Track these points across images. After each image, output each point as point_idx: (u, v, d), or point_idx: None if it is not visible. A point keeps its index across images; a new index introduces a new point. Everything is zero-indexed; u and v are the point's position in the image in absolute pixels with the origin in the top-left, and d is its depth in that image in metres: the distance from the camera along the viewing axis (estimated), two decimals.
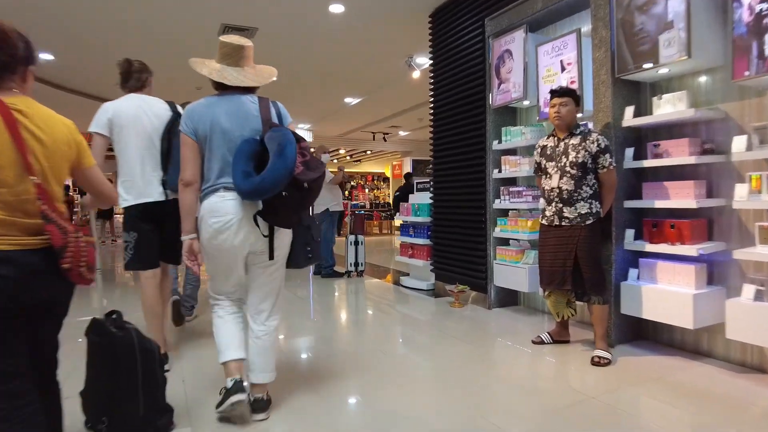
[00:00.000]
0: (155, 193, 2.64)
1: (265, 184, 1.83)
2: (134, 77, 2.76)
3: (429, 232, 5.31)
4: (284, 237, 2.09)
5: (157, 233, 2.71)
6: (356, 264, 6.35)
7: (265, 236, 2.00)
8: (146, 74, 2.80)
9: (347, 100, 9.95)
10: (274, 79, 2.15)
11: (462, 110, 4.69)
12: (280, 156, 1.83)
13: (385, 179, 20.80)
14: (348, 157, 19.24)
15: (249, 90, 2.08)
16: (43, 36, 5.76)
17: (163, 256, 2.79)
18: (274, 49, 6.34)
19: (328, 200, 5.99)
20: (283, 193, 1.86)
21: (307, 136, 13.59)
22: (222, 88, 2.06)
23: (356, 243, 6.34)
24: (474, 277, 4.48)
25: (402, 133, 14.42)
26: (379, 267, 7.51)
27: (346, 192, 17.51)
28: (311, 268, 6.46)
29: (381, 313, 4.57)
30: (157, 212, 2.67)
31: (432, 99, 5.24)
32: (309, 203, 2.06)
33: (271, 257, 2.05)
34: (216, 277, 2.17)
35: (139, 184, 2.64)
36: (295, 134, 1.96)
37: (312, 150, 2.78)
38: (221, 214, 1.97)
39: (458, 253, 4.71)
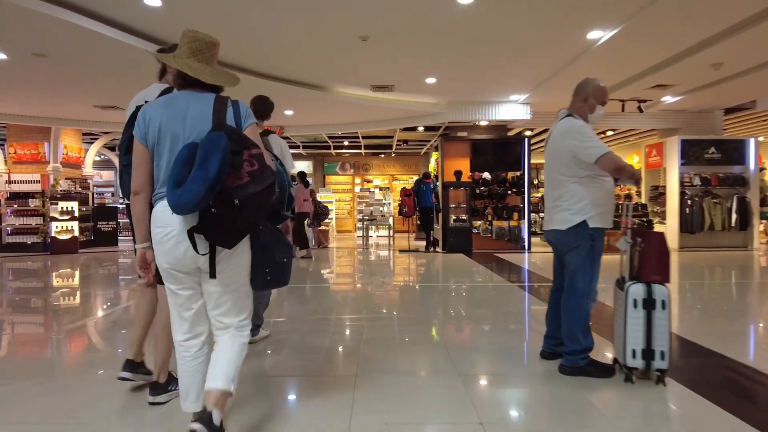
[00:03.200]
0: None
1: (184, 197, 1.70)
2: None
3: None
4: (238, 254, 1.95)
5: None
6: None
7: (201, 254, 1.84)
8: None
9: (591, 35, 6.33)
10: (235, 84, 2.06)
11: None
12: (200, 167, 1.70)
13: None
14: None
15: (213, 89, 1.98)
16: None
17: None
18: None
19: None
20: (212, 210, 1.73)
21: (522, 112, 10.24)
22: (186, 85, 1.96)
23: (651, 305, 2.75)
24: None
25: (669, 99, 9.84)
26: None
27: None
28: None
29: None
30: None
31: None
32: (244, 222, 1.81)
33: (212, 275, 1.89)
34: (169, 298, 2.04)
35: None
36: (240, 139, 1.81)
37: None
38: (163, 224, 1.88)
39: None
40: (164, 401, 2.53)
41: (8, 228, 11.65)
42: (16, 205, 11.62)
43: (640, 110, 9.84)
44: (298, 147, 17.06)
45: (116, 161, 18.13)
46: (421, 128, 12.50)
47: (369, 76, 8.23)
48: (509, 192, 11.25)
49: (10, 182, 11.91)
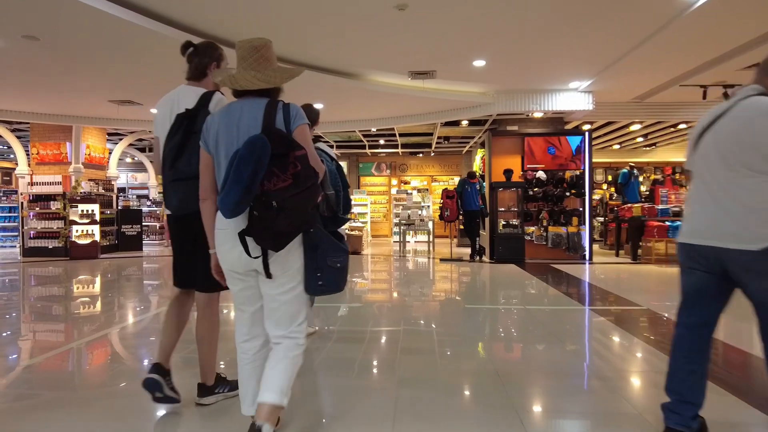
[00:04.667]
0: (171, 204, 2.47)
1: (224, 201, 1.79)
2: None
3: None
4: (289, 258, 1.96)
5: (183, 247, 2.55)
6: None
7: (253, 257, 1.90)
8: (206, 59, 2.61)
9: None
10: (292, 78, 2.05)
11: None
12: (235, 171, 1.75)
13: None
14: (640, 138, 13.61)
15: (265, 93, 2.00)
16: None
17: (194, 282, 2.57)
18: None
19: None
20: (254, 212, 1.80)
21: (583, 102, 9.04)
22: (238, 94, 2.03)
23: None
24: None
25: None
26: None
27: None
28: None
29: None
30: (174, 226, 2.56)
31: None
32: (285, 224, 1.82)
33: (268, 275, 1.94)
34: (234, 299, 2.11)
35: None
36: (285, 141, 1.83)
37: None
38: (220, 228, 1.98)
39: None
40: (210, 403, 2.61)
41: (31, 231, 11.29)
42: (38, 208, 11.26)
43: (726, 96, 8.43)
44: (332, 146, 16.25)
45: (147, 162, 17.98)
46: (465, 122, 11.39)
47: (407, 59, 7.23)
48: (567, 193, 10.00)
49: (32, 184, 11.57)
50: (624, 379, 3.12)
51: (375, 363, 3.46)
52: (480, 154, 11.69)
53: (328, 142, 15.42)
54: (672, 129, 12.10)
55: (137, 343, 4.19)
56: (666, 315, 4.77)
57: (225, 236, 1.95)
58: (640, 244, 9.89)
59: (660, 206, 10.21)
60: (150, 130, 12.52)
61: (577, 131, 10.75)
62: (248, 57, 1.98)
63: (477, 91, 9.08)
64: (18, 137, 12.13)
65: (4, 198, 14.55)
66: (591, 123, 11.23)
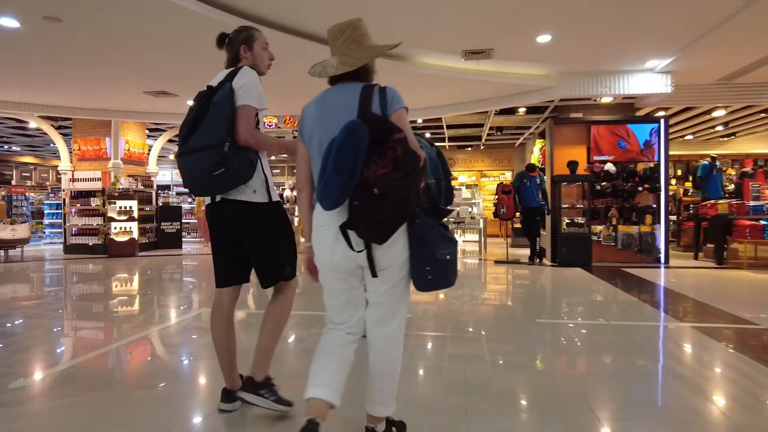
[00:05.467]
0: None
1: (321, 190, 1.74)
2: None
3: None
4: (393, 250, 1.84)
5: (223, 242, 2.39)
6: None
7: (357, 251, 1.80)
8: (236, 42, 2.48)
9: None
10: (379, 55, 1.99)
11: None
12: (335, 158, 1.67)
13: None
14: (719, 127, 12.20)
15: (355, 77, 1.93)
16: None
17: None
18: None
19: None
20: (355, 202, 1.69)
21: (660, 84, 7.97)
22: (333, 81, 1.97)
23: None
24: None
25: None
26: None
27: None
28: None
29: None
30: (212, 216, 2.39)
31: None
32: (388, 213, 1.70)
33: (374, 274, 1.85)
34: (326, 295, 2.01)
35: None
36: (383, 125, 1.73)
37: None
38: (320, 223, 1.89)
39: None
40: (252, 402, 2.38)
41: (72, 228, 11.22)
42: (79, 205, 11.17)
43: None
44: None
45: None
46: (522, 110, 10.45)
47: (461, 35, 6.43)
48: (640, 188, 8.91)
49: (74, 180, 11.50)
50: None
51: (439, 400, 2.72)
52: (538, 144, 10.72)
53: None
54: (763, 115, 10.71)
55: (179, 343, 3.95)
56: None
57: (325, 233, 1.86)
58: (725, 245, 8.68)
59: (751, 202, 8.93)
60: None
61: (649, 118, 9.62)
62: (335, 41, 1.93)
63: (538, 73, 8.15)
64: (63, 135, 12.13)
65: (53, 195, 14.76)
66: (666, 109, 10.05)
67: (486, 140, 14.70)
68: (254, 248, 2.34)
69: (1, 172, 20.32)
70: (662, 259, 8.76)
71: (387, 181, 1.64)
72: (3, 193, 15.13)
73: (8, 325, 4.47)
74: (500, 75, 7.99)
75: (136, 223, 10.92)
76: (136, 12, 5.29)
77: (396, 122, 1.78)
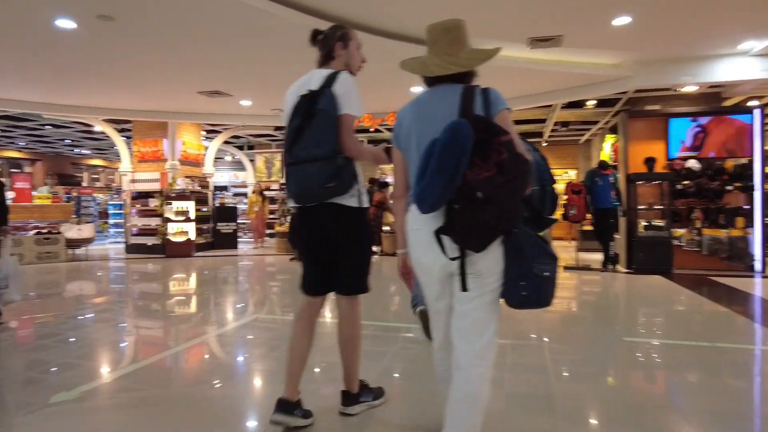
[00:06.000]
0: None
1: (422, 192, 1.65)
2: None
3: None
4: (487, 260, 1.74)
5: (309, 248, 2.40)
6: None
7: (450, 258, 1.73)
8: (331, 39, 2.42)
9: None
10: (490, 59, 1.90)
11: None
12: (437, 158, 1.59)
13: None
14: None
15: (459, 79, 1.87)
16: None
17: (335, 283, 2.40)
18: None
19: None
20: (455, 206, 1.62)
21: (754, 69, 7.13)
22: (430, 82, 1.93)
23: None
24: None
25: None
26: None
27: None
28: None
29: None
30: (301, 221, 2.39)
31: None
32: (490, 219, 1.62)
33: (464, 288, 1.74)
34: (428, 301, 1.95)
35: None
36: (488, 126, 1.64)
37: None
38: (414, 227, 1.85)
39: None
40: (356, 413, 2.46)
41: (133, 228, 11.52)
42: (138, 205, 11.44)
43: None
44: None
45: (246, 161, 18.18)
46: (591, 103, 9.70)
47: (527, 21, 5.91)
48: (728, 188, 7.99)
49: (133, 181, 11.81)
50: None
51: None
52: (609, 140, 9.93)
53: None
54: None
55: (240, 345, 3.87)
56: None
57: (420, 237, 1.82)
58: None
59: None
60: (243, 125, 12.31)
61: (739, 109, 8.65)
62: (440, 40, 1.89)
63: (611, 62, 7.45)
64: (126, 137, 12.52)
65: (116, 195, 15.35)
66: (760, 98, 9.01)
67: (549, 136, 13.92)
68: (348, 253, 2.32)
69: (74, 174, 21.52)
70: (758, 267, 7.81)
71: (492, 185, 1.56)
72: (73, 194, 15.88)
73: (73, 323, 4.43)
74: (569, 65, 7.36)
75: (192, 223, 11.06)
76: (191, 7, 5.17)
77: (500, 124, 1.70)
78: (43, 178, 19.13)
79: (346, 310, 2.40)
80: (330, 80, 2.21)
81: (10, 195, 10.01)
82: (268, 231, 13.28)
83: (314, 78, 2.29)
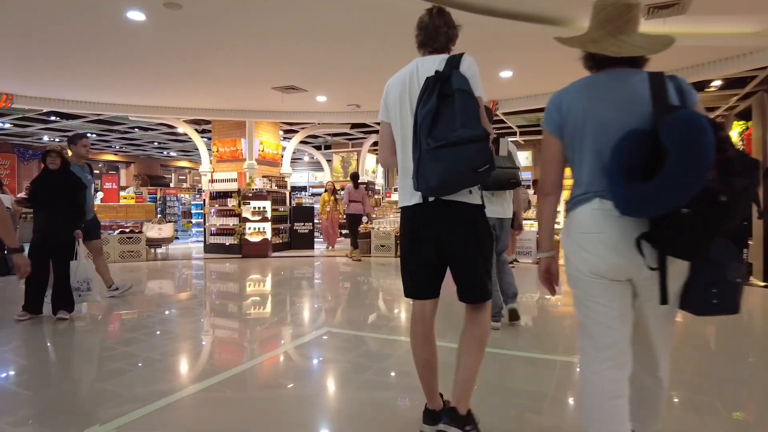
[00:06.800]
0: (416, 195, 2.16)
1: (659, 195, 1.46)
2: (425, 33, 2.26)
3: None
4: (679, 268, 1.64)
5: (431, 248, 2.18)
6: None
7: (652, 269, 1.61)
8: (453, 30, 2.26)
9: None
10: (670, 46, 1.70)
11: None
12: (686, 153, 1.42)
13: None
14: None
15: (635, 63, 1.73)
16: None
17: (458, 290, 2.22)
18: None
19: None
20: (683, 210, 1.45)
21: None
22: (598, 66, 1.77)
23: None
24: None
25: None
26: None
27: None
28: None
29: None
30: (420, 220, 2.19)
31: None
32: (726, 226, 1.50)
33: (664, 301, 1.63)
34: (587, 316, 1.75)
35: (400, 183, 2.29)
36: (709, 120, 1.49)
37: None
38: (592, 230, 1.68)
39: None
40: None
41: (212, 228, 11.62)
42: (217, 205, 11.52)
43: None
44: (514, 134, 14.18)
45: (324, 161, 18.10)
46: (715, 84, 8.35)
47: None
48: None
49: (212, 181, 11.93)
50: None
51: None
52: (737, 128, 8.50)
53: (510, 128, 13.40)
54: None
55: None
56: None
57: (602, 242, 1.66)
58: None
59: None
60: (319, 122, 12.06)
61: None
62: (619, 18, 1.70)
63: (747, 30, 6.22)
64: (206, 138, 12.74)
65: (198, 195, 15.77)
66: None
67: None
68: (473, 255, 2.14)
69: (162, 175, 22.69)
70: None
71: (735, 187, 1.43)
72: (159, 194, 16.55)
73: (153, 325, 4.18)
74: (693, 37, 6.23)
75: (269, 223, 10.94)
76: None
77: None
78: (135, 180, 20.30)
79: (478, 313, 2.21)
80: (456, 62, 2.05)
81: (99, 195, 10.39)
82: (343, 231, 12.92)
83: (428, 64, 2.14)
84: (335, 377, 3.24)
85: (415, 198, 2.14)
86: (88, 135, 5.58)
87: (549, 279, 1.88)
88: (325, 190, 11.97)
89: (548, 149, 1.81)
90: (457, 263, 2.16)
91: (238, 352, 3.85)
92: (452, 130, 1.92)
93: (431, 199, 2.10)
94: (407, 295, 2.27)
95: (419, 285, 2.25)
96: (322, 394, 2.93)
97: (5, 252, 7.03)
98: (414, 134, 2.04)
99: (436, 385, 2.26)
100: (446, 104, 1.96)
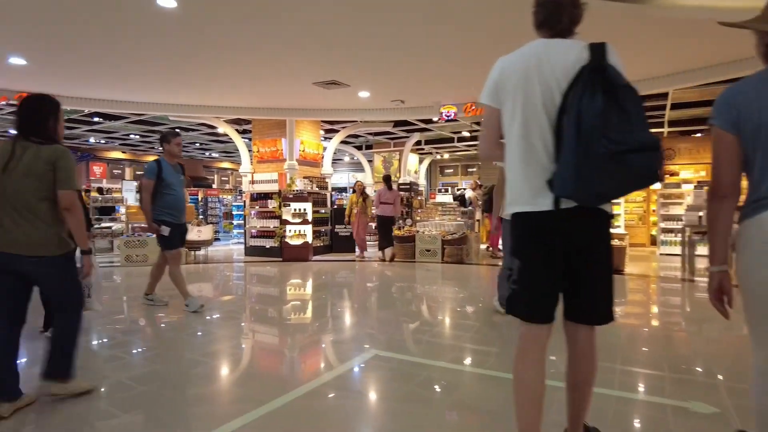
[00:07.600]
0: (542, 198, 1.89)
1: None
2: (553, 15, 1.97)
3: None
4: None
5: (555, 264, 1.93)
6: None
7: None
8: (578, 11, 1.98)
9: None
10: None
11: None
12: None
13: None
14: None
15: None
16: None
17: (575, 310, 2.01)
18: None
19: None
20: None
21: None
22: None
23: None
24: None
25: None
26: None
27: None
28: None
29: None
30: (551, 229, 1.92)
31: None
32: None
33: None
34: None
35: (518, 181, 1.97)
36: None
37: None
38: None
39: None
40: None
41: (252, 230, 11.43)
42: (257, 207, 11.31)
43: None
44: None
45: (365, 161, 17.75)
46: None
47: None
48: None
49: (253, 182, 11.73)
50: None
51: None
52: None
53: None
54: None
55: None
56: None
57: None
58: None
59: None
60: (361, 120, 11.68)
61: None
62: None
63: None
64: (247, 139, 12.60)
65: (239, 196, 15.71)
66: None
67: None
68: (606, 272, 1.97)
69: (205, 176, 22.93)
70: None
71: None
72: (200, 195, 16.59)
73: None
74: None
75: (310, 226, 10.61)
76: None
77: None
78: None
79: (588, 342, 2.02)
80: (602, 51, 1.81)
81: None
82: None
83: (558, 50, 1.89)
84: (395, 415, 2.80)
85: (543, 202, 1.86)
86: (179, 132, 5.29)
87: (721, 298, 1.71)
88: (353, 191, 11.34)
89: (722, 147, 1.68)
90: (592, 281, 1.94)
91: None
92: (629, 132, 1.71)
93: (569, 205, 1.84)
94: (527, 318, 1.98)
95: (547, 307, 1.95)
96: None
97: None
98: (572, 131, 1.75)
99: (540, 427, 1.94)
100: (611, 100, 1.73)
